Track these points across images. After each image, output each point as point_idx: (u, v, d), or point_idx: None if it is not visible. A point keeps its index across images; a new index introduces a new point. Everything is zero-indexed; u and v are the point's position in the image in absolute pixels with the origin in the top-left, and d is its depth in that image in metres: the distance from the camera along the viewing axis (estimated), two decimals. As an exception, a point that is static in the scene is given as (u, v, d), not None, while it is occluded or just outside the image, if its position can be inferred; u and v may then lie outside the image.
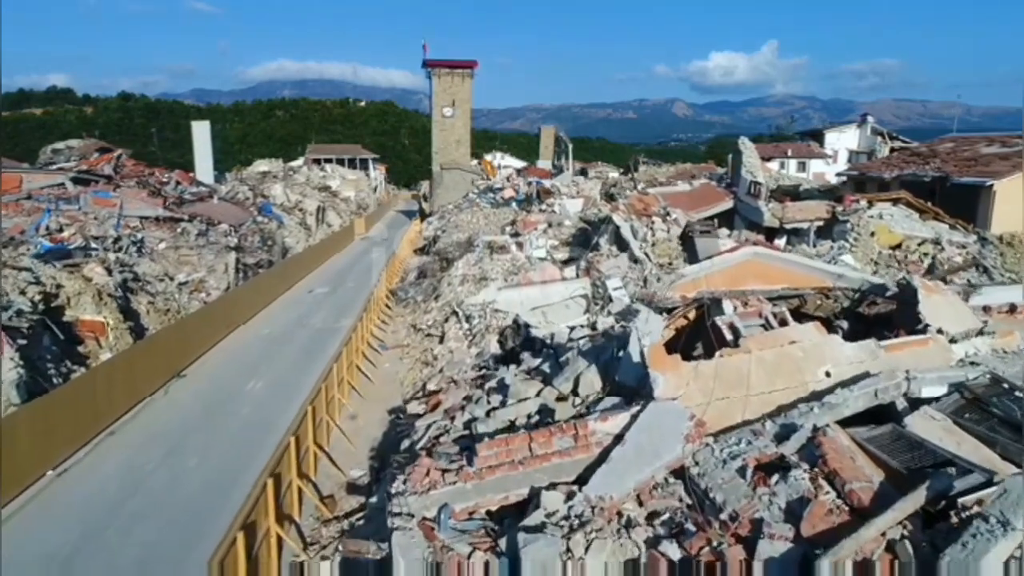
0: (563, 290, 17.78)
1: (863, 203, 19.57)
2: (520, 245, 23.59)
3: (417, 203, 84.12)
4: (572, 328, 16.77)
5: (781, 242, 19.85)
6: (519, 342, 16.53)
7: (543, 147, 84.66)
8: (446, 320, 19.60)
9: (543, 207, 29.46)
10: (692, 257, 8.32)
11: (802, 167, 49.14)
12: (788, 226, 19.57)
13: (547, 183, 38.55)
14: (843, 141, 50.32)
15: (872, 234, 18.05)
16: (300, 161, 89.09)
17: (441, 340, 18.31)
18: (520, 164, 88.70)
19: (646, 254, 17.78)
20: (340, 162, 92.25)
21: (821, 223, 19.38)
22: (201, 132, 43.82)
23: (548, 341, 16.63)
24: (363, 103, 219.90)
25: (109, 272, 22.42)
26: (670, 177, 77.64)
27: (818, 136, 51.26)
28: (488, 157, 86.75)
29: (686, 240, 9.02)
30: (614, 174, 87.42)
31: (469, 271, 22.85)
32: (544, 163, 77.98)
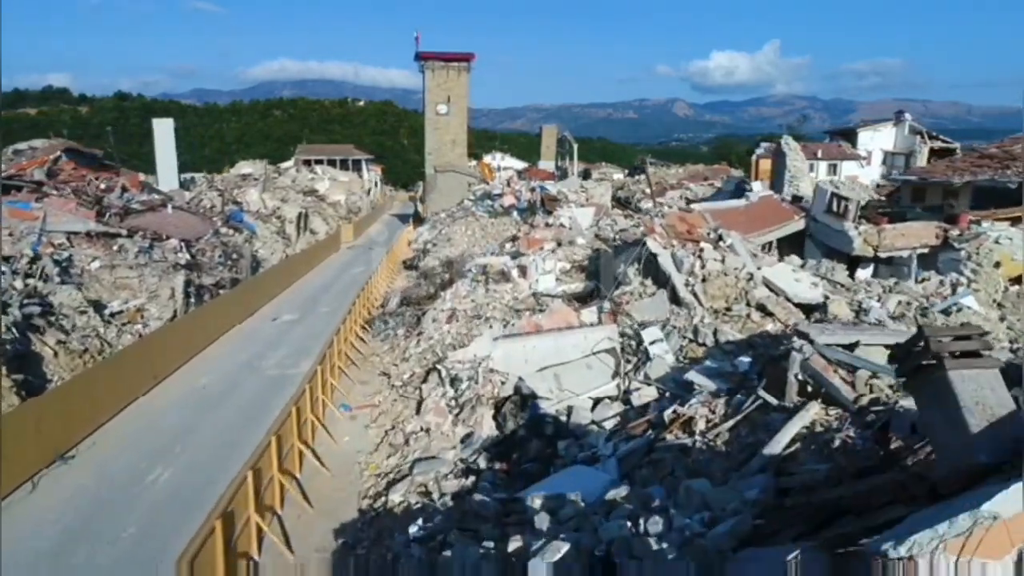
0: (582, 342, 13.12)
1: (986, 225, 14.94)
2: (523, 270, 18.90)
3: (414, 205, 79.65)
4: (596, 401, 12.14)
5: (866, 272, 15.24)
6: (523, 422, 11.86)
7: (544, 147, 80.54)
8: (426, 377, 14.91)
9: (550, 220, 24.82)
10: (936, 416, 3.78)
11: (833, 169, 44.45)
12: (884, 254, 14.97)
13: (552, 188, 33.90)
14: (877, 141, 45.61)
15: (997, 264, 13.45)
16: (291, 162, 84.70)
17: (418, 408, 13.62)
18: (521, 165, 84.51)
19: (694, 293, 13.15)
20: (332, 163, 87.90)
21: (926, 250, 14.79)
22: (163, 131, 39.05)
23: (563, 418, 12.04)
24: (362, 102, 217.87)
25: (4, 308, 17.80)
26: (681, 179, 73.25)
27: (850, 136, 46.55)
28: (487, 159, 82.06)
29: (914, 373, 4.51)
30: (619, 175, 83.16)
31: (459, 305, 18.18)
32: (545, 164, 73.71)
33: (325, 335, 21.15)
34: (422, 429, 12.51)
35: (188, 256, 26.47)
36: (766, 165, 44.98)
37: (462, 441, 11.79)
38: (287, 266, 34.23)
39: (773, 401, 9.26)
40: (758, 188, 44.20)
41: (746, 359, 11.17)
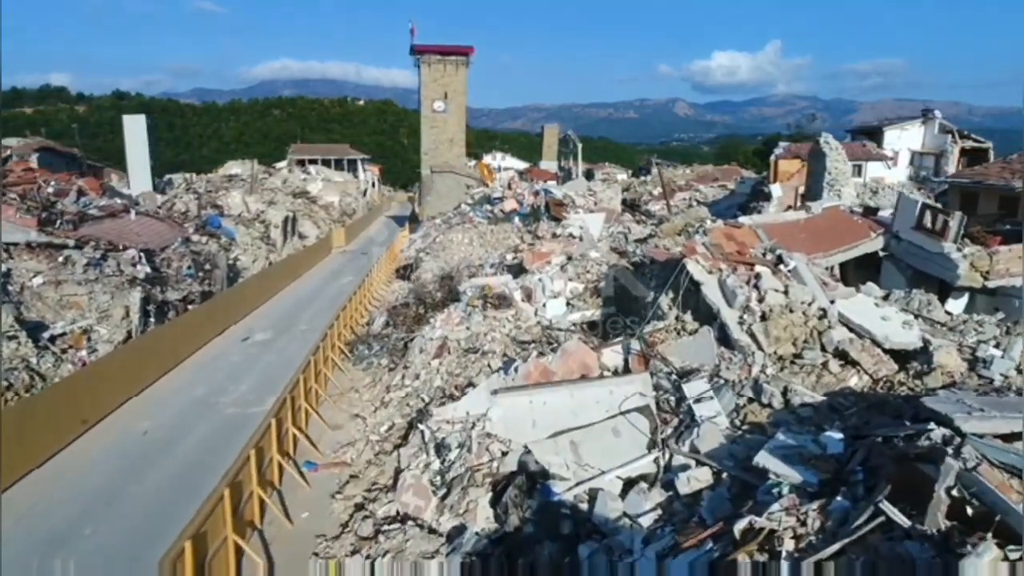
0: (607, 397, 10.13)
1: None
2: (528, 293, 15.90)
3: (412, 206, 76.81)
4: (628, 483, 9.16)
5: (959, 304, 12.28)
6: (530, 513, 8.88)
7: (546, 147, 77.78)
8: (407, 433, 11.94)
9: (558, 229, 21.82)
10: None
11: (857, 171, 41.37)
12: (994, 284, 12.03)
13: (557, 191, 30.92)
14: (904, 140, 42.59)
15: None
16: (285, 163, 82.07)
17: (395, 479, 10.61)
18: (522, 165, 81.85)
19: (751, 334, 10.19)
20: (327, 163, 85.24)
21: (1043, 277, 11.86)
22: (135, 129, 35.91)
23: (584, 505, 9.12)
24: (362, 102, 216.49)
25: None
26: (689, 180, 70.31)
27: (875, 135, 43.52)
28: (487, 159, 78.99)
29: None
30: (623, 176, 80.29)
31: (451, 334, 15.20)
32: (547, 164, 70.95)
33: (299, 360, 18.16)
34: (397, 516, 9.51)
35: (149, 268, 23.47)
36: (786, 166, 41.98)
37: (448, 538, 8.80)
38: (267, 276, 31.30)
39: (903, 521, 6.27)
40: (778, 191, 41.24)
41: (836, 435, 8.19)
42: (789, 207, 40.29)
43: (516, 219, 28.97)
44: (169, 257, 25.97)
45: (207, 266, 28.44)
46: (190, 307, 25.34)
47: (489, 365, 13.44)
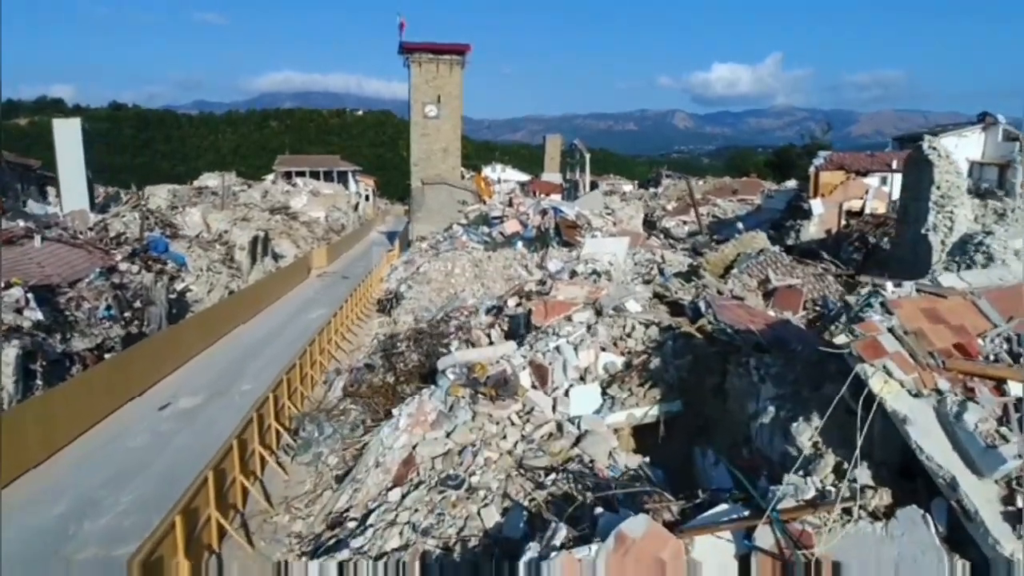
0: None
1: None
2: (540, 372, 10.41)
3: (407, 220, 71.64)
4: None
5: None
6: None
7: (549, 158, 72.89)
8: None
9: (579, 265, 16.35)
10: None
11: (908, 184, 35.99)
12: None
13: (568, 210, 25.50)
14: (963, 148, 37.30)
15: None
16: (272, 176, 77.44)
17: None
18: (523, 177, 76.87)
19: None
20: (315, 175, 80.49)
21: None
22: (67, 135, 30.29)
23: None
24: (360, 112, 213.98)
25: None
26: (706, 193, 64.88)
27: (928, 142, 38.19)
28: (487, 171, 73.60)
29: None
30: (629, 187, 75.17)
31: (421, 442, 9.66)
32: (549, 176, 65.91)
33: (224, 441, 12.53)
34: None
35: (42, 312, 17.99)
36: (829, 178, 36.76)
37: None
38: (216, 312, 25.71)
39: None
40: (819, 208, 35.90)
41: None
42: (829, 230, 35.11)
43: (519, 244, 23.54)
44: (80, 295, 20.49)
45: (137, 303, 22.98)
46: (108, 356, 19.94)
47: (479, 515, 7.93)
